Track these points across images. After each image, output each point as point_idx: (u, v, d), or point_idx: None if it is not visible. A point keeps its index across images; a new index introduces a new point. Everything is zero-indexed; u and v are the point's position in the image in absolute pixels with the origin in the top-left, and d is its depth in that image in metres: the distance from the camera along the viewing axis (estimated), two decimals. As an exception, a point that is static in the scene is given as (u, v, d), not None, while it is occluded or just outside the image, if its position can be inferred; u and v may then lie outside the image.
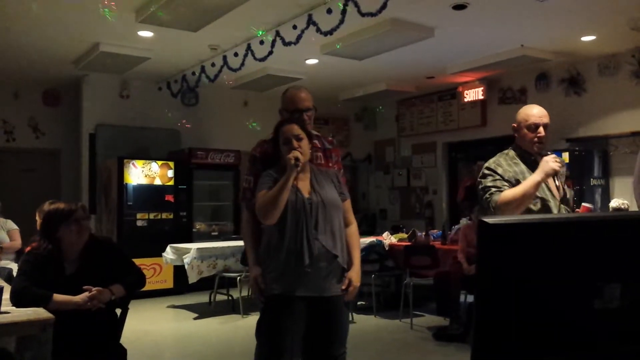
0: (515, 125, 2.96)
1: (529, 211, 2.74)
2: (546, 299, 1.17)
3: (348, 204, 2.90)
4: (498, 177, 2.83)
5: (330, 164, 3.03)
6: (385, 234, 7.04)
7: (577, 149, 7.23)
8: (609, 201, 6.46)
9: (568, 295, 1.18)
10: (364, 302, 6.83)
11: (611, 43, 6.74)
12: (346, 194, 2.89)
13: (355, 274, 2.77)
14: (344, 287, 2.72)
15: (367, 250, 6.57)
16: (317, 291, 2.65)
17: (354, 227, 2.93)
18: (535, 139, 2.86)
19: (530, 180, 2.73)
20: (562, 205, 2.84)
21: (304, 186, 2.72)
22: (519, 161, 2.89)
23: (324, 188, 2.76)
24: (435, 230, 6.75)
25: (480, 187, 2.91)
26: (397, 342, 5.42)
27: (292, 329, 2.64)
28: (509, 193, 2.74)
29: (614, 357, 1.24)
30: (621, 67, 7.10)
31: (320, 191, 2.73)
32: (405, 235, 6.98)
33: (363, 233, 9.13)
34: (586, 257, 1.19)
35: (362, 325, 6.08)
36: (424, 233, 6.83)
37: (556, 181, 2.90)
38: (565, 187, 2.99)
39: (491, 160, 2.94)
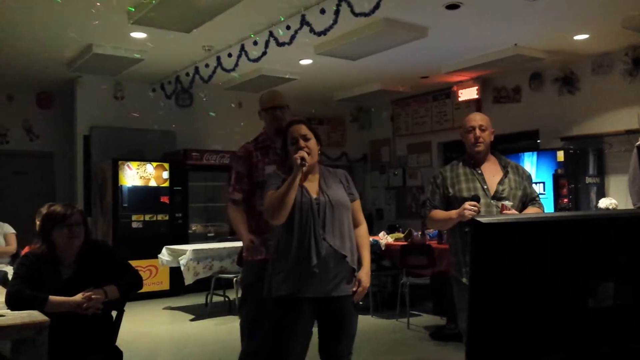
0: (460, 134, 3.24)
1: (463, 200, 2.99)
2: (540, 298, 1.16)
3: (357, 204, 2.90)
4: (435, 186, 3.18)
5: None
6: (382, 234, 7.03)
7: (572, 147, 7.24)
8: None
9: (562, 294, 1.18)
10: (360, 302, 6.80)
11: (604, 42, 6.76)
12: (355, 194, 2.89)
13: (365, 275, 2.78)
14: (354, 289, 2.71)
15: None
16: (325, 292, 2.64)
17: (363, 228, 2.94)
18: (472, 140, 3.10)
19: (449, 213, 3.03)
20: (492, 201, 3.05)
21: (313, 187, 2.72)
22: (459, 166, 3.17)
23: (331, 188, 2.75)
24: (432, 230, 6.73)
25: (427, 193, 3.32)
26: (394, 342, 5.43)
27: (299, 331, 2.63)
28: (436, 215, 3.12)
29: (609, 356, 1.24)
30: (614, 65, 7.12)
31: (327, 191, 2.72)
32: (401, 235, 6.99)
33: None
34: (580, 256, 1.19)
35: (359, 325, 5.95)
36: (420, 232, 6.83)
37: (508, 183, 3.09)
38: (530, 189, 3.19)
39: (441, 168, 3.30)
